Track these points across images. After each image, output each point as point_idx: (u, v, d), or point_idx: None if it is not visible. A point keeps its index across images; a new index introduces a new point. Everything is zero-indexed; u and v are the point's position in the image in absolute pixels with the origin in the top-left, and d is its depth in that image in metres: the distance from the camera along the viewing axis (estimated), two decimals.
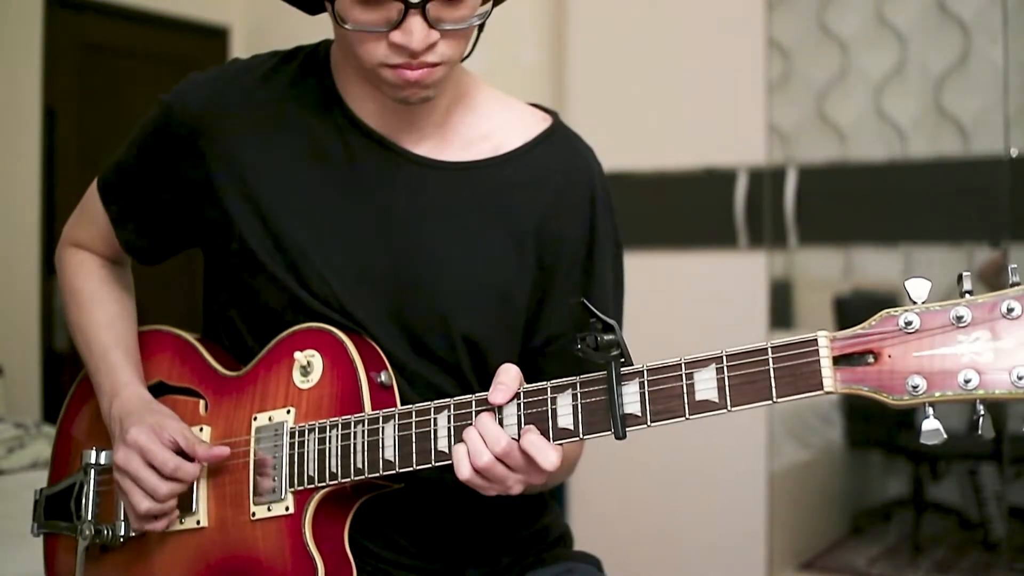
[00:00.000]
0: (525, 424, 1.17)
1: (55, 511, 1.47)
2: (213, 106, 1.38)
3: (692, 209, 3.73)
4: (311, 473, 1.28)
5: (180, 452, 1.31)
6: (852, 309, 4.47)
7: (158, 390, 1.44)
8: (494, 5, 1.29)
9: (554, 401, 1.16)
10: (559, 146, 1.42)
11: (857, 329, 1.03)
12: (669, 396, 1.11)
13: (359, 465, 1.25)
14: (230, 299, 1.43)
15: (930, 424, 1.00)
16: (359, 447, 1.25)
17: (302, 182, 1.37)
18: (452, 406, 1.21)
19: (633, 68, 3.80)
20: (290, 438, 1.30)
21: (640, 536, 3.69)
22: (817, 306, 4.60)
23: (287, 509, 1.29)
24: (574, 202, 1.40)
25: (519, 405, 1.17)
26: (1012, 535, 3.78)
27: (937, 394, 0.99)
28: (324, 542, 1.28)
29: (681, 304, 3.67)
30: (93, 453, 1.41)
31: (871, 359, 1.03)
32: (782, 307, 4.34)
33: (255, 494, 1.32)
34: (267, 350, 1.37)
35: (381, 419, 1.25)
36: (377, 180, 1.36)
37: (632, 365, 1.13)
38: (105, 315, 1.48)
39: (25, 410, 3.85)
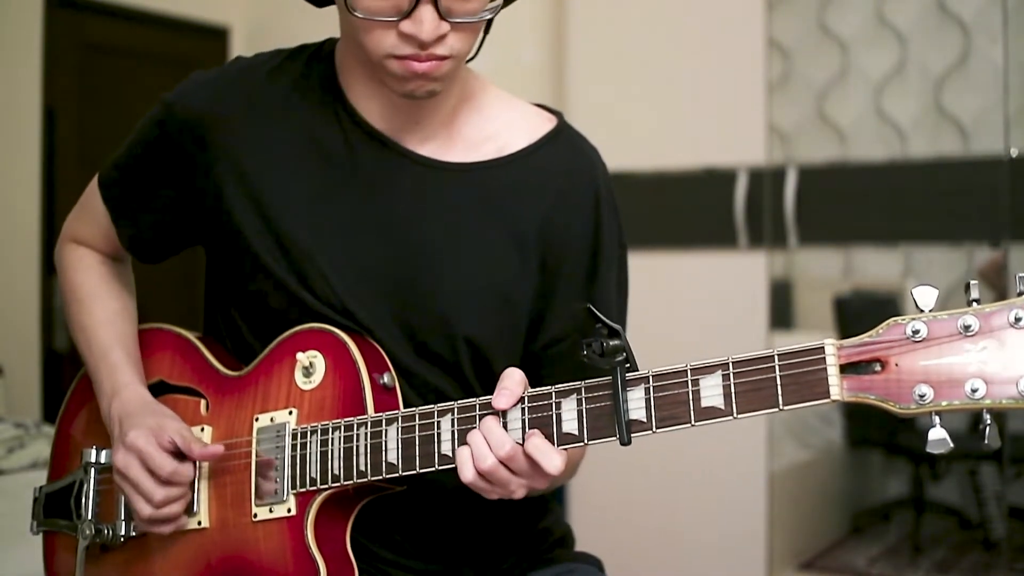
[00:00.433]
0: (529, 428, 1.16)
1: (55, 509, 1.47)
2: (215, 105, 1.38)
3: (692, 209, 3.73)
4: (313, 475, 1.28)
5: (178, 453, 1.31)
6: (852, 309, 4.47)
7: (158, 389, 1.44)
8: (505, 3, 1.29)
9: (559, 406, 1.16)
10: (564, 147, 1.41)
11: (864, 337, 1.03)
12: (675, 402, 1.10)
13: (362, 467, 1.25)
14: (231, 298, 1.43)
15: (936, 433, 1.00)
16: (362, 449, 1.25)
17: (304, 182, 1.36)
18: (456, 409, 1.21)
19: (633, 68, 3.80)
20: (292, 439, 1.30)
21: (640, 536, 3.69)
22: (817, 306, 4.60)
23: (289, 511, 1.29)
24: (578, 203, 1.40)
25: (523, 409, 1.17)
26: (1012, 535, 3.78)
27: (944, 403, 0.99)
28: (326, 543, 1.28)
29: (681, 304, 3.67)
30: (93, 452, 1.40)
31: (878, 367, 1.02)
32: (782, 307, 4.34)
33: (256, 495, 1.32)
34: (269, 350, 1.37)
35: (384, 421, 1.24)
36: (380, 181, 1.36)
37: (637, 371, 1.12)
38: (105, 313, 1.48)
39: (25, 410, 3.85)
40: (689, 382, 1.10)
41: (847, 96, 4.43)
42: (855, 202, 3.77)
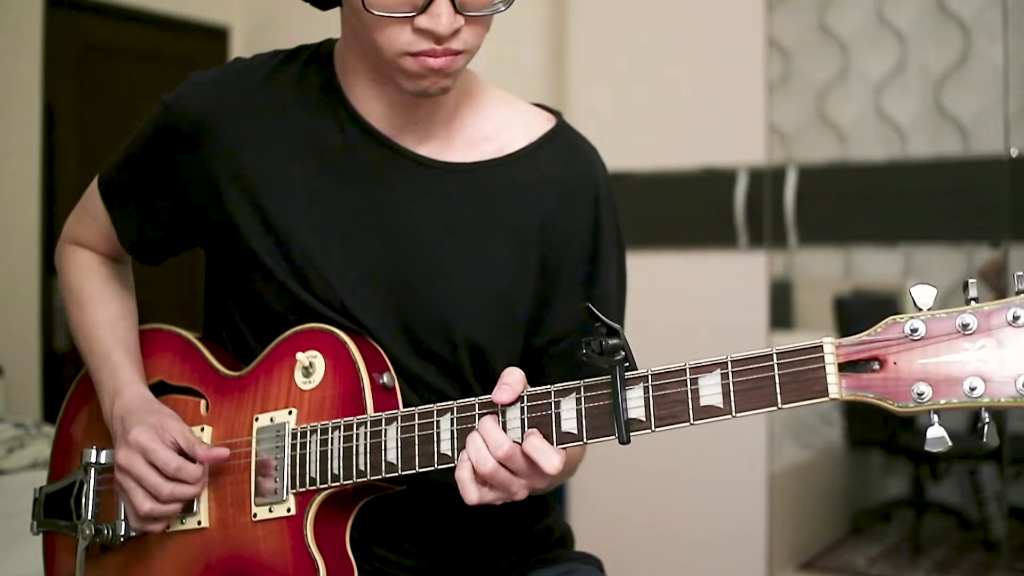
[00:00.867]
0: (528, 428, 1.16)
1: (55, 509, 1.47)
2: (214, 107, 1.38)
3: (692, 209, 3.73)
4: (313, 475, 1.28)
5: (181, 453, 1.31)
6: (852, 309, 4.48)
7: (159, 389, 1.44)
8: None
9: (558, 405, 1.16)
10: (563, 147, 1.41)
11: (863, 336, 1.03)
12: (673, 401, 1.10)
13: (361, 467, 1.25)
14: (231, 299, 1.43)
15: (935, 432, 1.00)
16: (361, 449, 1.25)
17: (304, 183, 1.36)
18: (455, 409, 1.21)
19: (633, 68, 3.80)
20: (292, 439, 1.30)
21: (640, 536, 3.69)
22: (817, 306, 4.60)
23: (289, 510, 1.29)
24: (578, 203, 1.40)
25: (523, 409, 1.17)
26: (1012, 535, 3.79)
27: (942, 401, 0.99)
28: (325, 543, 1.28)
29: (681, 304, 3.67)
30: (93, 452, 1.40)
31: (876, 366, 1.02)
32: (782, 307, 4.35)
33: (256, 495, 1.32)
34: (269, 350, 1.37)
35: (384, 421, 1.24)
36: (380, 181, 1.36)
37: (637, 370, 1.12)
38: (106, 314, 1.48)
39: (25, 410, 3.85)
40: (688, 381, 1.10)
41: (847, 96, 4.44)
42: (855, 202, 3.78)
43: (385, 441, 1.24)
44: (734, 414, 1.08)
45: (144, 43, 4.53)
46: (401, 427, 1.23)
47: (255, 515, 1.31)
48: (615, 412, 1.11)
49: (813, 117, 4.44)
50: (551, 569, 1.44)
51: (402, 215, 1.35)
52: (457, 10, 1.21)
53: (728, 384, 1.08)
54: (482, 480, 1.16)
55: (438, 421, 1.21)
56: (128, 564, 1.40)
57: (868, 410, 1.04)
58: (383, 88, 1.33)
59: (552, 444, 1.15)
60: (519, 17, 1.29)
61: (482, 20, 1.25)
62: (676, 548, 3.67)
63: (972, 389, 0.98)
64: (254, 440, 1.33)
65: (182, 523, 1.36)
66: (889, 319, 1.02)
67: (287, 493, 1.29)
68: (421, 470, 1.22)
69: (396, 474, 1.23)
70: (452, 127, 1.38)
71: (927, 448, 1.01)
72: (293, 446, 1.30)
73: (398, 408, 1.28)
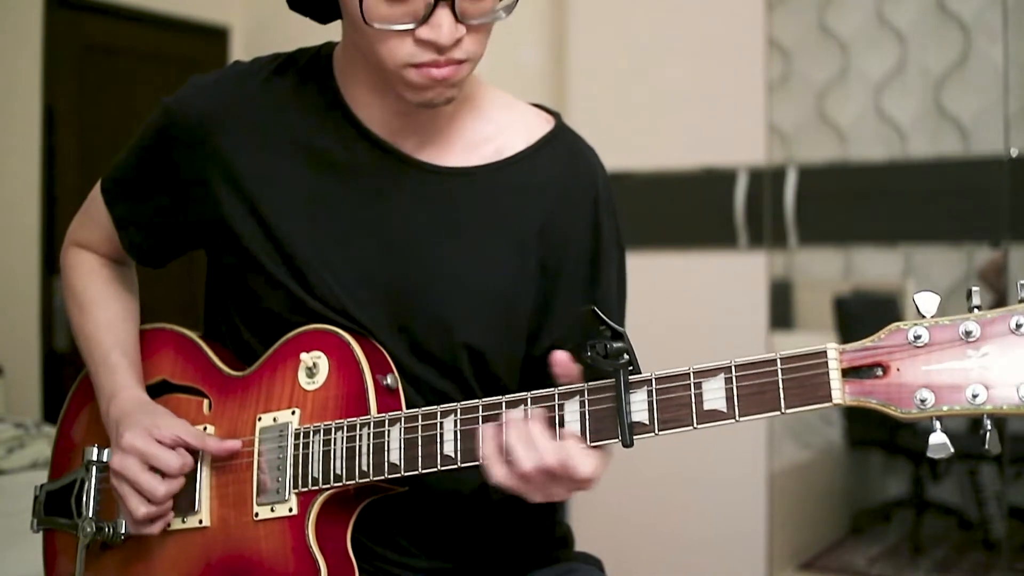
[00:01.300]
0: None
1: (55, 507, 1.47)
2: (214, 110, 1.38)
3: (692, 209, 3.73)
4: (315, 475, 1.28)
5: (175, 448, 1.32)
6: (852, 309, 4.48)
7: (162, 388, 1.44)
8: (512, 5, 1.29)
9: (562, 408, 1.16)
10: (562, 149, 1.41)
11: (866, 342, 1.04)
12: (677, 405, 1.11)
13: (364, 468, 1.25)
14: (233, 301, 1.43)
15: (937, 438, 1.01)
16: (364, 450, 1.25)
17: (303, 187, 1.36)
18: (459, 410, 1.21)
19: (633, 68, 3.80)
20: (295, 439, 1.30)
21: (640, 536, 3.69)
22: (817, 306, 4.60)
23: (290, 510, 1.29)
24: (577, 205, 1.40)
25: (526, 411, 1.17)
26: (1012, 535, 3.79)
27: (945, 408, 1.00)
28: (327, 543, 1.28)
29: (681, 304, 3.67)
30: (95, 450, 1.40)
31: (880, 372, 1.03)
32: (782, 307, 4.35)
33: (258, 494, 1.32)
34: (272, 351, 1.37)
35: (387, 422, 1.25)
36: (379, 185, 1.36)
37: (640, 373, 1.13)
38: (106, 317, 1.48)
39: (25, 410, 3.85)
40: (692, 385, 1.10)
41: (847, 96, 4.44)
42: (855, 202, 3.78)
43: (388, 442, 1.24)
44: (737, 418, 1.08)
45: (144, 43, 4.53)
46: (404, 428, 1.24)
47: (257, 514, 1.31)
48: (619, 415, 1.11)
49: (813, 117, 4.44)
50: (551, 569, 1.44)
51: (401, 219, 1.35)
52: (458, 19, 1.21)
53: (732, 389, 1.08)
54: (519, 475, 1.16)
55: (442, 422, 1.22)
56: (128, 563, 1.40)
57: (870, 413, 1.04)
58: (382, 94, 1.33)
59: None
60: (519, 17, 1.28)
61: (484, 28, 1.25)
62: (676, 548, 3.67)
63: (975, 396, 0.98)
64: (257, 439, 1.34)
65: (183, 522, 1.36)
66: (893, 326, 1.03)
67: (289, 493, 1.29)
68: (424, 471, 1.22)
69: (399, 475, 1.24)
70: (451, 131, 1.38)
71: (930, 455, 1.01)
72: (296, 446, 1.30)
73: (401, 409, 1.28)
